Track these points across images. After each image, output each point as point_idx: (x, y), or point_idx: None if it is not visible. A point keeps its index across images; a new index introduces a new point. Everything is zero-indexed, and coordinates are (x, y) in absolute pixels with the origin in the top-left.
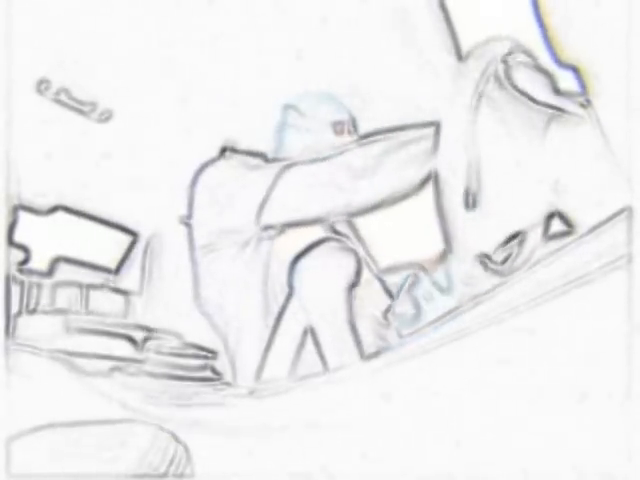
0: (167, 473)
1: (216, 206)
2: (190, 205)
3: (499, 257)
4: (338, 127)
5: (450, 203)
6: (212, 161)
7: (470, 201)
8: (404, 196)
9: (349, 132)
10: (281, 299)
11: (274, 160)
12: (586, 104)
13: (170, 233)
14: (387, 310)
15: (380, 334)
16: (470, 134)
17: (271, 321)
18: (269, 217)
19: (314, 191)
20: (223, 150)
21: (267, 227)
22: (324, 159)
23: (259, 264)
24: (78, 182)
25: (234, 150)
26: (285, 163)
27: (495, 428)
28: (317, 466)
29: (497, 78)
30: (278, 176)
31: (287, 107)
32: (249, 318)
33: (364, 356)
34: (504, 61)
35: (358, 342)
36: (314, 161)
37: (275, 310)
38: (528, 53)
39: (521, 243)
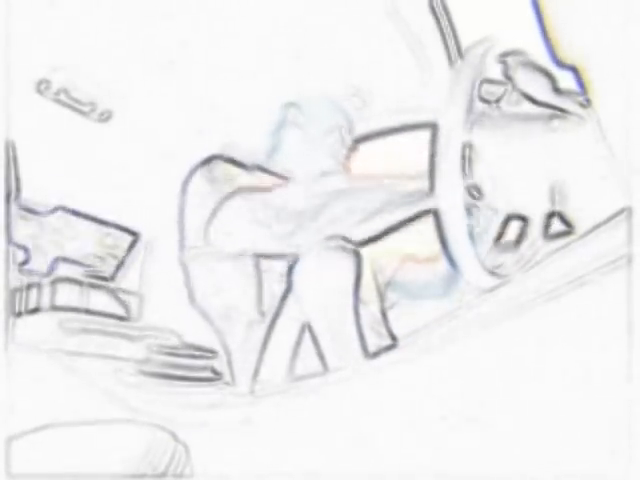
0: (166, 473)
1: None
2: (181, 206)
3: (495, 260)
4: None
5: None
6: (198, 166)
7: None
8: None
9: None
10: (276, 299)
11: (260, 168)
12: (586, 104)
13: (169, 233)
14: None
15: (379, 333)
16: (466, 133)
17: (266, 320)
18: (213, 239)
19: (244, 225)
20: (210, 158)
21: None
22: (265, 190)
23: (250, 263)
24: (78, 182)
25: (220, 158)
26: (230, 191)
27: (495, 429)
28: (317, 466)
29: (494, 78)
30: (222, 202)
31: (288, 105)
32: (244, 317)
33: (367, 355)
34: (503, 62)
35: (361, 341)
36: (256, 192)
37: (271, 309)
38: (523, 53)
39: (518, 244)
